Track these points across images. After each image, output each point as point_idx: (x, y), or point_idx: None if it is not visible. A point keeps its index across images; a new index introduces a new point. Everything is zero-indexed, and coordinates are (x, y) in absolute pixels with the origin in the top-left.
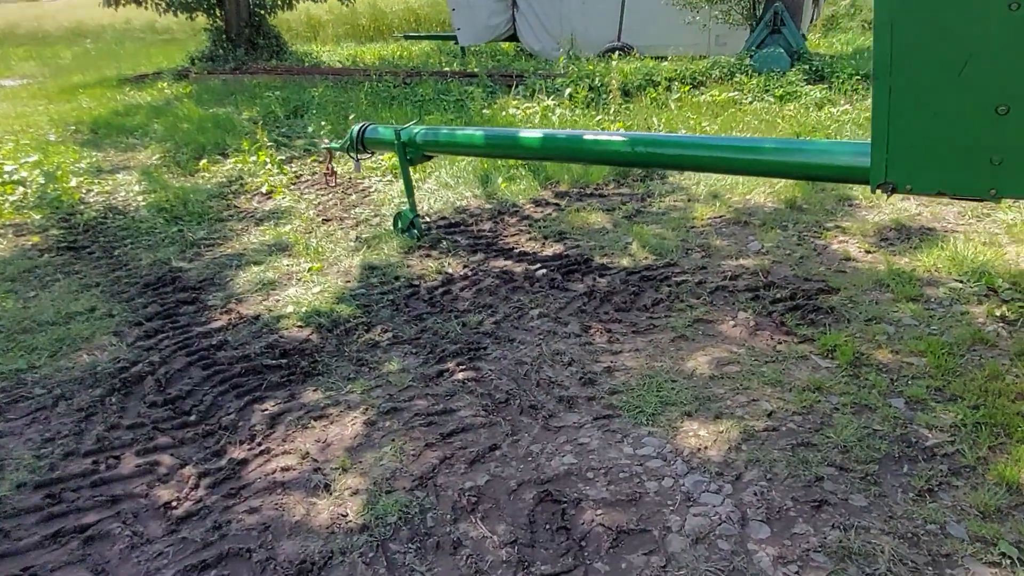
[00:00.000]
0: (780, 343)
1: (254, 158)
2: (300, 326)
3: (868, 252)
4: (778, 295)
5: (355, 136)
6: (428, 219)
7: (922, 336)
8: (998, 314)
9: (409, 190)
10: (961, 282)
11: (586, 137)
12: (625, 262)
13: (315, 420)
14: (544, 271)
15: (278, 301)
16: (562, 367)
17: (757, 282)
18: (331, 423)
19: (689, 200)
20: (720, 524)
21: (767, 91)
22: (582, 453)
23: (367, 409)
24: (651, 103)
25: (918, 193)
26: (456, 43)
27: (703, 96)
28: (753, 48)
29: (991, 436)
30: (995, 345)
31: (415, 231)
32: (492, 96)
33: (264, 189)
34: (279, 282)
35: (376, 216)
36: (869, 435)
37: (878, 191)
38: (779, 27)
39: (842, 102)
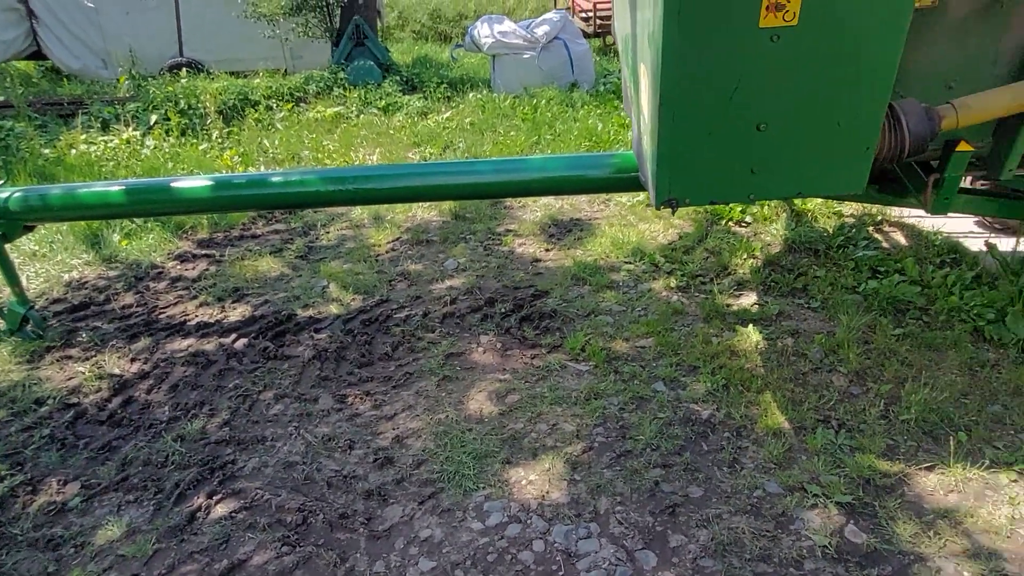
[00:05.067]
0: (534, 358)
1: None
2: None
3: (547, 251)
4: (503, 309)
5: None
6: (33, 306)
7: (637, 320)
8: (673, 286)
9: (12, 277)
10: (631, 263)
11: (274, 179)
12: (334, 309)
13: None
14: (245, 341)
15: None
16: (344, 454)
17: (477, 301)
18: None
19: (356, 227)
20: (616, 569)
21: (368, 104)
22: (434, 551)
23: None
24: (256, 125)
25: (694, 204)
26: None
27: (310, 113)
28: (343, 61)
29: (738, 393)
30: (687, 313)
31: (32, 329)
32: (46, 132)
33: None
34: None
35: None
36: (663, 425)
37: (662, 207)
38: (362, 40)
39: (443, 110)
